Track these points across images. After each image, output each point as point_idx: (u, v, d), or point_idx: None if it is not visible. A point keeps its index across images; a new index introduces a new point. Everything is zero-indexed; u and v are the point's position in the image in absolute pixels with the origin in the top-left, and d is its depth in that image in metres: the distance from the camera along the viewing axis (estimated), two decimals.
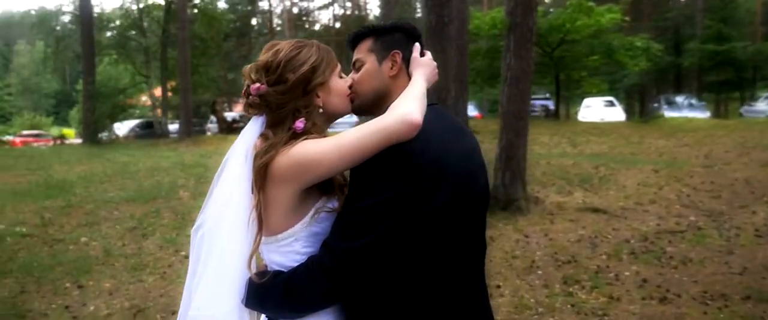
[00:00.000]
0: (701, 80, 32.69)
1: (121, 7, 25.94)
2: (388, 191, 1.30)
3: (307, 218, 1.39)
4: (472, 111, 22.98)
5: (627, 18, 22.45)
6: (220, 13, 28.64)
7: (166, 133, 23.08)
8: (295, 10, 41.70)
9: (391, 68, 1.53)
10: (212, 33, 24.97)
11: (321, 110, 1.48)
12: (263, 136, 1.43)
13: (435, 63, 1.59)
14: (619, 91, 30.61)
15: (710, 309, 4.10)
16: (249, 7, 39.65)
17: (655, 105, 25.71)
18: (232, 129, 22.82)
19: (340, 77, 1.53)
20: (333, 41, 41.55)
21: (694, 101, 24.95)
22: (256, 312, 1.45)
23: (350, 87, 1.55)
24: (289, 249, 1.39)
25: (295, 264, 1.40)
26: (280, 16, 42.01)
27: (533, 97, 22.77)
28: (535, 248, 5.66)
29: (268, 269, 1.45)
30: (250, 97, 1.44)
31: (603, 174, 8.90)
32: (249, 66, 1.48)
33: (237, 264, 1.38)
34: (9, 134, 30.25)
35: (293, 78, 1.41)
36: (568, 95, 26.62)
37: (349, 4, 41.37)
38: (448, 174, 1.36)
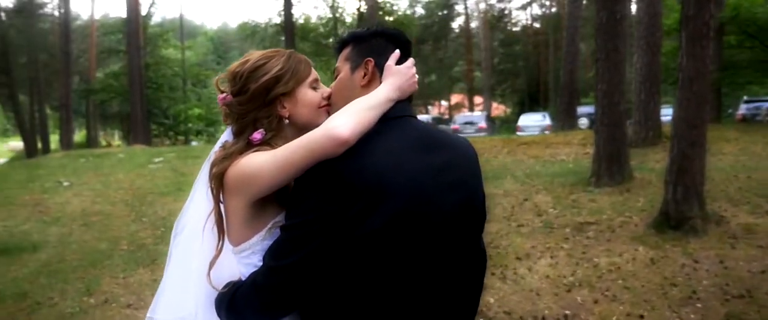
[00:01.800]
0: None
1: (319, 17, 28.32)
2: (317, 210, 1.21)
3: (263, 231, 1.37)
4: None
5: None
6: (408, 17, 29.53)
7: None
8: (492, 11, 41.32)
9: (364, 77, 1.41)
10: None
11: (286, 121, 1.46)
12: (223, 145, 1.45)
13: (412, 71, 1.45)
14: None
15: None
16: (444, 11, 40.34)
17: None
18: None
19: (313, 88, 1.48)
20: (531, 43, 40.48)
21: None
22: None
23: (330, 98, 1.50)
24: (248, 262, 1.39)
25: None
26: (477, 19, 42.04)
27: (760, 98, 19.63)
28: (702, 276, 4.87)
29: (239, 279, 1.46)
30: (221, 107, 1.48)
31: None
32: (218, 76, 1.51)
33: (197, 271, 1.42)
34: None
35: (253, 87, 1.41)
36: None
37: (548, 3, 39.80)
38: (389, 194, 1.22)
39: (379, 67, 1.42)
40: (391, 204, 1.23)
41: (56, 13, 27.42)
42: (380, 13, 22.96)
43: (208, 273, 1.38)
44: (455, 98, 44.22)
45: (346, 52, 1.48)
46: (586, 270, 5.12)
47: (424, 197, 1.28)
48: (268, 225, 1.36)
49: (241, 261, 1.40)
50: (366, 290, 1.24)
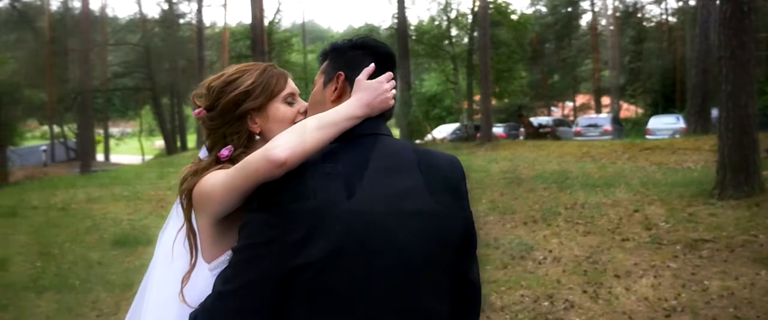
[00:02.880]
0: None
1: (432, 19, 28.30)
2: (259, 235, 1.14)
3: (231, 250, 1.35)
4: None
5: None
6: (524, 16, 28.60)
7: (472, 137, 24.21)
8: (623, 5, 38.83)
9: (334, 91, 1.33)
10: (518, 37, 25.10)
11: (257, 137, 1.42)
12: (195, 161, 1.43)
13: (385, 87, 1.32)
14: None
15: None
16: (569, 9, 38.57)
17: None
18: (538, 134, 22.60)
19: (288, 103, 1.43)
20: (665, 39, 37.49)
21: None
22: None
23: (306, 113, 1.43)
24: None
25: None
26: (606, 15, 39.73)
27: None
28: None
29: None
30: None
31: None
32: (195, 91, 1.50)
33: (170, 287, 1.42)
34: None
35: (223, 102, 1.38)
36: None
37: None
38: (331, 222, 1.13)
39: (350, 81, 1.33)
40: (333, 233, 1.13)
41: (193, 22, 29.93)
42: (493, 12, 22.49)
43: (181, 291, 1.38)
44: (581, 99, 42.13)
45: (324, 64, 1.42)
46: (692, 293, 4.60)
47: (373, 226, 1.16)
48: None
49: (214, 280, 1.39)
50: None
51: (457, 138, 25.65)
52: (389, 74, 1.35)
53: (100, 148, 35.13)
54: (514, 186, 9.85)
